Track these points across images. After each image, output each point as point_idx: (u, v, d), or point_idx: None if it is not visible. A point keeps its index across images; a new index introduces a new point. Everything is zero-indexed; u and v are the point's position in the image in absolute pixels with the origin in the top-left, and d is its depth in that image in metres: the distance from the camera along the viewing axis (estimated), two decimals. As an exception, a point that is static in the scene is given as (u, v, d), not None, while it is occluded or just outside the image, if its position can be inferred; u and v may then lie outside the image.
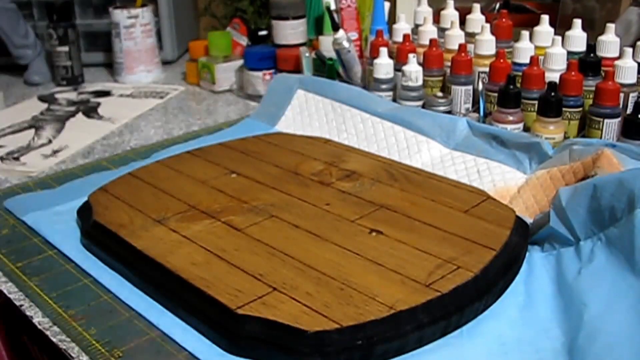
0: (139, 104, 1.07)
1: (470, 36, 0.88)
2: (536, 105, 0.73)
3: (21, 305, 0.54)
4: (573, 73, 0.73)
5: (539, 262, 0.56)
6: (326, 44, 1.00)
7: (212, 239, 0.57)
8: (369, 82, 0.92)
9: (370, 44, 0.94)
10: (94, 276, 0.57)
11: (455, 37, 0.87)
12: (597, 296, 0.48)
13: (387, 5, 1.06)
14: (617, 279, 0.49)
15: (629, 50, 0.73)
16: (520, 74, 0.76)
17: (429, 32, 0.90)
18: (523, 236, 0.57)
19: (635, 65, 0.73)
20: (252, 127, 0.89)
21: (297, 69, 1.04)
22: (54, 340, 0.50)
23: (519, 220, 0.59)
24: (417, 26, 0.95)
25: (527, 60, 0.77)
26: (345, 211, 0.62)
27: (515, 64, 0.80)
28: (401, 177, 0.68)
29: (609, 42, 0.77)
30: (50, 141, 0.91)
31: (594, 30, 0.90)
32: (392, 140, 0.77)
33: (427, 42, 0.87)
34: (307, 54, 1.03)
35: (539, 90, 0.74)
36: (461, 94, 0.83)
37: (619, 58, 0.75)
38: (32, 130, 0.95)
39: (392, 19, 1.05)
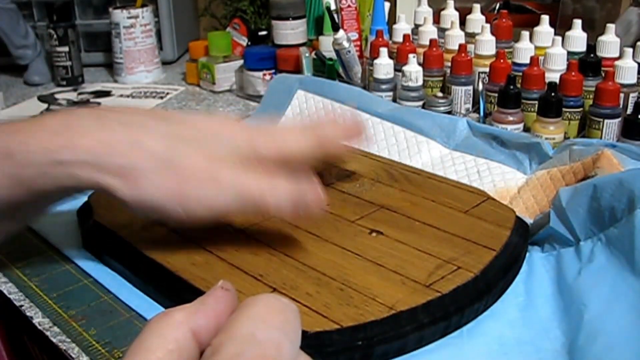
0: (139, 104, 1.07)
1: (470, 36, 0.88)
2: (536, 106, 0.73)
3: (21, 306, 0.54)
4: (573, 73, 0.73)
5: (539, 262, 0.56)
6: (326, 44, 1.00)
7: (212, 240, 0.57)
8: (369, 83, 0.92)
9: (370, 44, 0.94)
10: (94, 276, 0.57)
11: (455, 37, 0.87)
12: (597, 296, 0.48)
13: (387, 5, 1.06)
14: (617, 279, 0.49)
15: (629, 50, 0.73)
16: (520, 74, 0.76)
17: (429, 32, 0.90)
18: (523, 236, 0.57)
19: (636, 65, 0.73)
20: (252, 128, 0.88)
21: (297, 69, 1.04)
22: (54, 340, 0.50)
23: (519, 221, 0.59)
24: (417, 26, 0.95)
25: (527, 61, 0.77)
26: (345, 211, 0.61)
27: (515, 64, 0.80)
28: (401, 177, 0.68)
29: (609, 42, 0.77)
30: (50, 141, 0.91)
31: (594, 30, 0.90)
32: (392, 141, 0.77)
33: (427, 43, 0.87)
34: (307, 54, 1.03)
35: (539, 90, 0.74)
36: (461, 94, 0.83)
37: (619, 58, 0.75)
38: (32, 131, 0.95)
39: (392, 19, 1.05)
